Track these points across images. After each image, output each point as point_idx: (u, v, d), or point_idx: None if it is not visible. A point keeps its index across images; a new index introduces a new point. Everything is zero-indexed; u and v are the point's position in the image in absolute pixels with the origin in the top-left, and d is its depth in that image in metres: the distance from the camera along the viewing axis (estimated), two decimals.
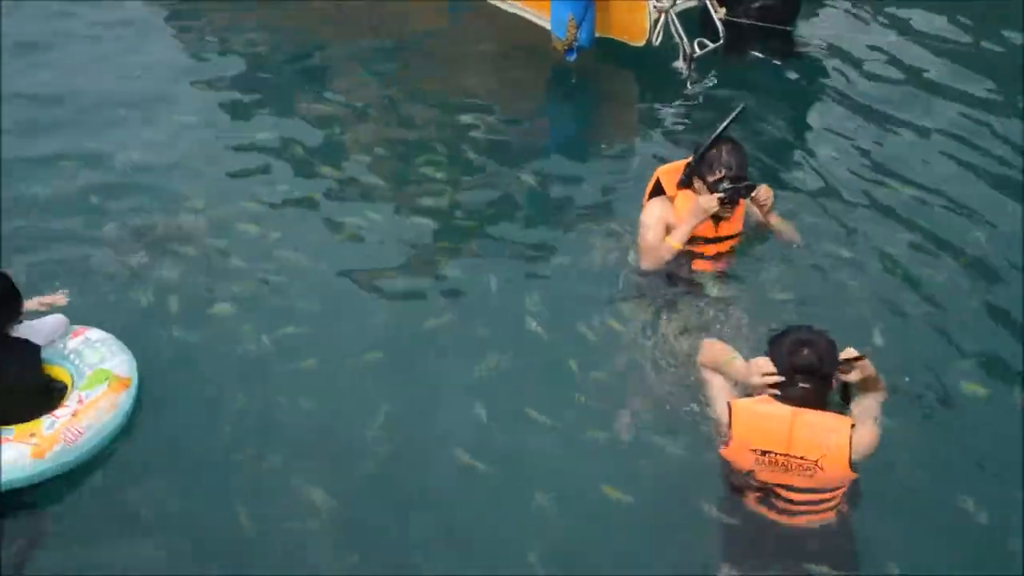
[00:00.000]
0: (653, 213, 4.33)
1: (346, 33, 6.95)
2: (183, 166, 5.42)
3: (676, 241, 4.28)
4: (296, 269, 4.65)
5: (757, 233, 4.45)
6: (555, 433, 3.84)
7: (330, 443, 3.84)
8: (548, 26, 6.16)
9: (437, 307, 4.45)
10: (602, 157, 5.59)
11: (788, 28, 6.34)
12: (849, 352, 3.43)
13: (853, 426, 3.32)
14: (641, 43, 6.08)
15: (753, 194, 4.23)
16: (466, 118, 5.88)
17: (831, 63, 6.31)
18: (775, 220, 4.45)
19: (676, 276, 4.37)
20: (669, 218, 4.27)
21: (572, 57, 6.09)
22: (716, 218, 4.26)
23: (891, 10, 6.90)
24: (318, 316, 4.39)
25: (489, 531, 3.53)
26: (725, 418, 3.47)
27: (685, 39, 6.01)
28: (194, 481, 3.69)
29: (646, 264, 4.38)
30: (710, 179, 4.15)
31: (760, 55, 6.32)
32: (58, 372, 3.87)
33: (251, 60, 6.59)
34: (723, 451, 3.50)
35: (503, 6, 6.73)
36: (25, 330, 3.74)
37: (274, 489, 3.65)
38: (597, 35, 6.11)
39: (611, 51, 6.25)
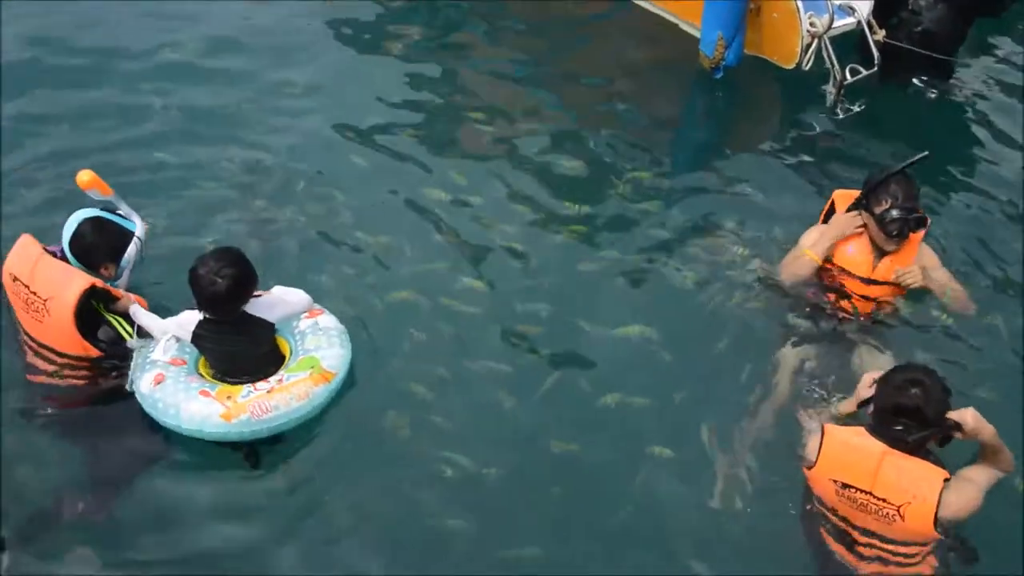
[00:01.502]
0: (813, 231, 4.32)
1: (495, 14, 7.04)
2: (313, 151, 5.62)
3: (814, 251, 4.24)
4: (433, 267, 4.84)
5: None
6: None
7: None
8: (699, 36, 6.15)
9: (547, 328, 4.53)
10: (737, 175, 5.56)
11: (950, 58, 6.07)
12: (964, 415, 3.27)
13: (947, 480, 3.19)
14: (791, 66, 5.97)
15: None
16: (602, 116, 5.97)
17: (993, 100, 6.05)
18: (942, 278, 4.23)
19: (816, 308, 4.31)
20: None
21: (719, 75, 6.05)
22: (880, 251, 4.17)
23: None
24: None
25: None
26: (816, 441, 3.42)
27: (837, 65, 5.86)
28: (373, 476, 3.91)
29: (783, 276, 4.38)
30: (877, 210, 4.06)
31: (916, 85, 6.11)
32: (284, 346, 4.10)
33: (392, 36, 6.73)
34: (806, 471, 3.46)
35: (657, 11, 6.72)
36: (264, 301, 3.93)
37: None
38: (746, 53, 6.06)
39: (759, 69, 6.16)
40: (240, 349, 3.91)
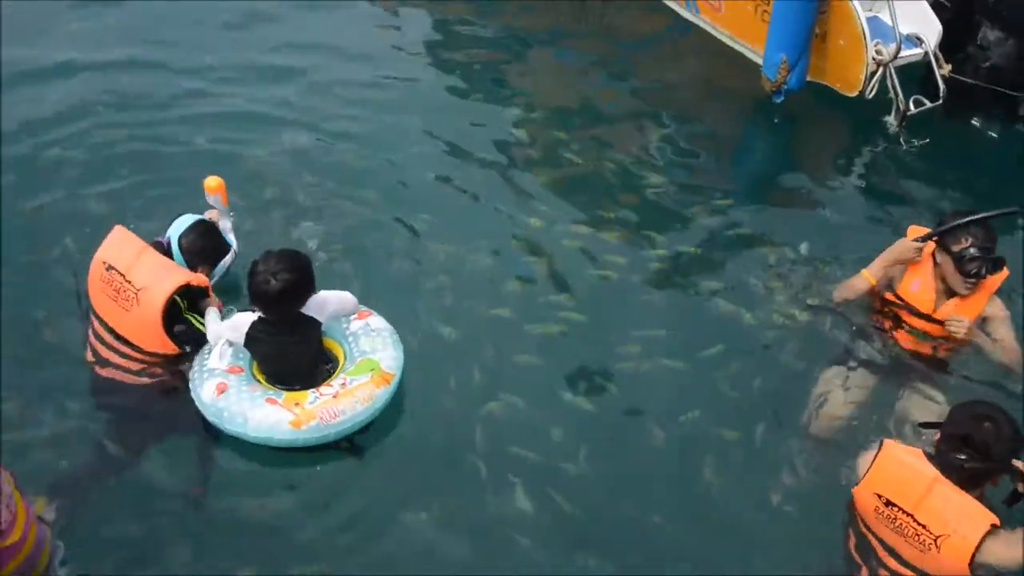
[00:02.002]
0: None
1: (556, 26, 7.05)
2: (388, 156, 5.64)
3: (868, 271, 4.19)
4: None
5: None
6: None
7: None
8: (760, 60, 6.08)
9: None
10: (792, 201, 5.51)
11: (1018, 94, 5.94)
12: None
13: (995, 526, 3.11)
14: (854, 94, 5.88)
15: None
16: (659, 137, 5.92)
17: None
18: (1004, 336, 4.07)
19: (869, 333, 4.26)
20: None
21: (779, 99, 5.98)
22: (948, 291, 4.07)
23: None
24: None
25: None
26: (870, 457, 3.38)
27: (901, 95, 5.77)
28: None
29: (835, 293, 4.34)
30: (955, 248, 3.94)
31: (981, 120, 5.99)
32: (335, 348, 4.11)
33: (448, 43, 6.78)
34: (854, 489, 3.41)
35: (717, 34, 6.67)
36: (315, 300, 3.90)
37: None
38: (808, 79, 5.97)
39: (821, 96, 6.08)
40: (291, 350, 3.88)
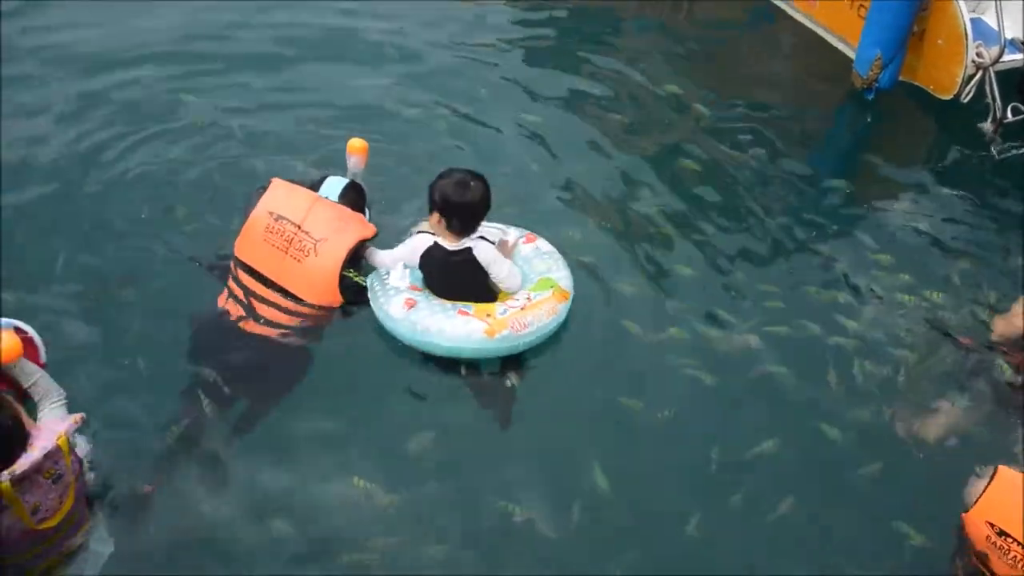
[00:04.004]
0: None
1: (642, 12, 6.98)
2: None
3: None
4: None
5: None
6: None
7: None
8: (852, 55, 5.88)
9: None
10: (880, 205, 5.30)
11: None
12: None
13: None
14: (948, 97, 5.66)
15: None
16: (745, 129, 5.75)
17: None
18: None
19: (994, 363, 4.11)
20: None
21: (870, 96, 5.79)
22: None
23: None
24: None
25: None
26: (982, 484, 3.24)
27: (999, 101, 5.53)
28: None
29: (997, 330, 4.21)
30: None
31: None
32: None
33: (527, 38, 6.64)
34: (965, 515, 3.28)
35: (811, 25, 6.47)
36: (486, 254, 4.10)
37: None
38: (901, 79, 5.77)
39: (913, 96, 5.88)
40: (464, 268, 4.04)
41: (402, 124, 5.55)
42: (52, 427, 3.10)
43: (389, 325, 4.00)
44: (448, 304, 3.98)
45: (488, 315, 3.94)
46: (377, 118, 5.55)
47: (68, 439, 3.10)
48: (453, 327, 3.90)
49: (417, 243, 4.08)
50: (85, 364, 3.95)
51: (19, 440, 2.99)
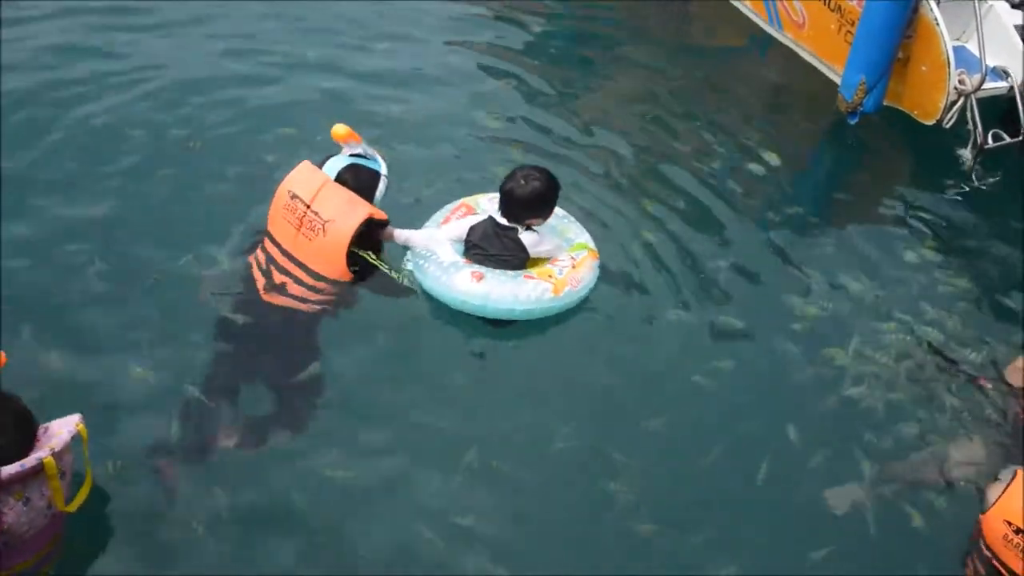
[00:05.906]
0: None
1: (635, 30, 7.06)
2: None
3: None
4: None
5: None
6: None
7: None
8: (838, 80, 5.99)
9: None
10: (858, 229, 5.33)
11: None
12: None
13: None
14: (931, 122, 5.76)
15: None
16: (731, 150, 5.82)
17: None
18: None
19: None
20: None
21: (854, 120, 5.89)
22: None
23: None
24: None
25: None
26: (1000, 487, 3.28)
27: (980, 127, 5.64)
28: None
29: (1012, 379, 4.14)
30: None
31: None
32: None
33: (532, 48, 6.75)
34: (983, 515, 3.31)
35: (798, 50, 6.60)
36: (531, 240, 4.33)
37: None
38: (885, 103, 5.87)
39: (896, 121, 5.96)
40: (506, 244, 4.26)
41: (400, 124, 5.64)
42: (56, 428, 3.10)
43: (458, 298, 4.15)
44: (511, 272, 4.20)
45: (550, 276, 4.21)
46: (376, 118, 5.65)
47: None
48: (524, 291, 4.13)
49: (463, 223, 4.36)
50: (110, 351, 4.03)
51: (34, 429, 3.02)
